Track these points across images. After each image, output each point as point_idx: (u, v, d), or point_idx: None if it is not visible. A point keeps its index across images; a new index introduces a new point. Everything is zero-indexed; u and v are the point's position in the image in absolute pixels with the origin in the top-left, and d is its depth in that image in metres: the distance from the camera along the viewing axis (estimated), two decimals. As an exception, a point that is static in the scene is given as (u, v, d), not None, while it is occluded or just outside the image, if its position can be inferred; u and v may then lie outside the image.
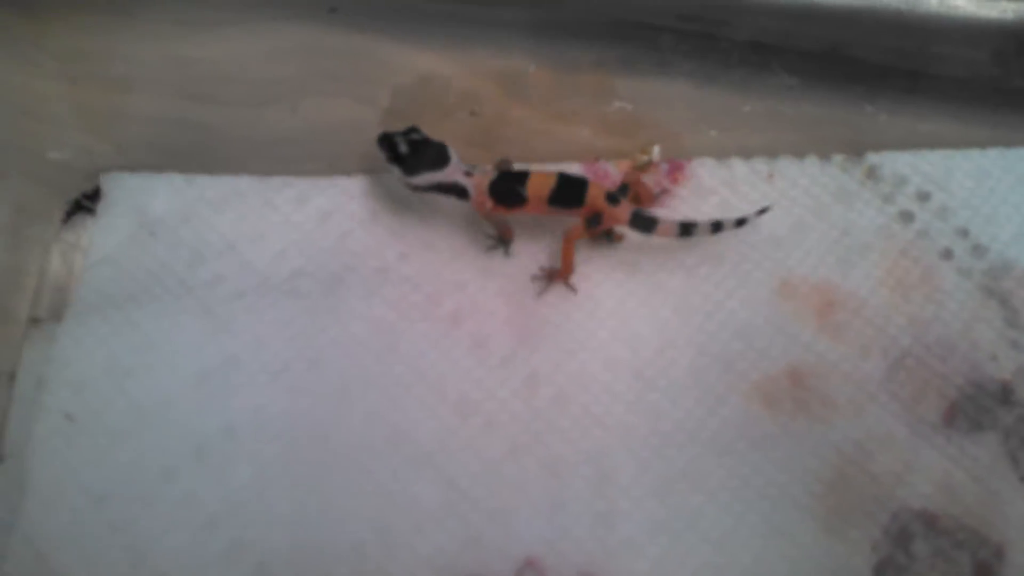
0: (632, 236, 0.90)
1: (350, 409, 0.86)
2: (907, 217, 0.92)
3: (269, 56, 0.99)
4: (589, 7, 0.98)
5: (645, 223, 0.86)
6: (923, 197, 0.93)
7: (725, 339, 0.87)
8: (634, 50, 0.99)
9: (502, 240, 0.91)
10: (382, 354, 0.88)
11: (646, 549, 0.79)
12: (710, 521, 0.80)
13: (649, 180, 0.95)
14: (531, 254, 0.91)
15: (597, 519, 0.80)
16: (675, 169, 0.96)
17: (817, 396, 0.85)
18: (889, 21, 0.92)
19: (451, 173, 0.88)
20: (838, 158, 0.97)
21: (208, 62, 0.98)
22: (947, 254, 0.91)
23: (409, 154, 0.88)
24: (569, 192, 0.87)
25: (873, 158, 0.95)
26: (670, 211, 0.94)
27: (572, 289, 0.88)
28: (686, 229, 0.86)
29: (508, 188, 0.88)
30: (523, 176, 0.88)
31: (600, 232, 0.89)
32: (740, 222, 0.87)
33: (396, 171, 0.88)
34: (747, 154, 0.98)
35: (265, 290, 0.91)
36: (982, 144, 0.95)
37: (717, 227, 0.86)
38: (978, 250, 0.90)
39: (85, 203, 1.00)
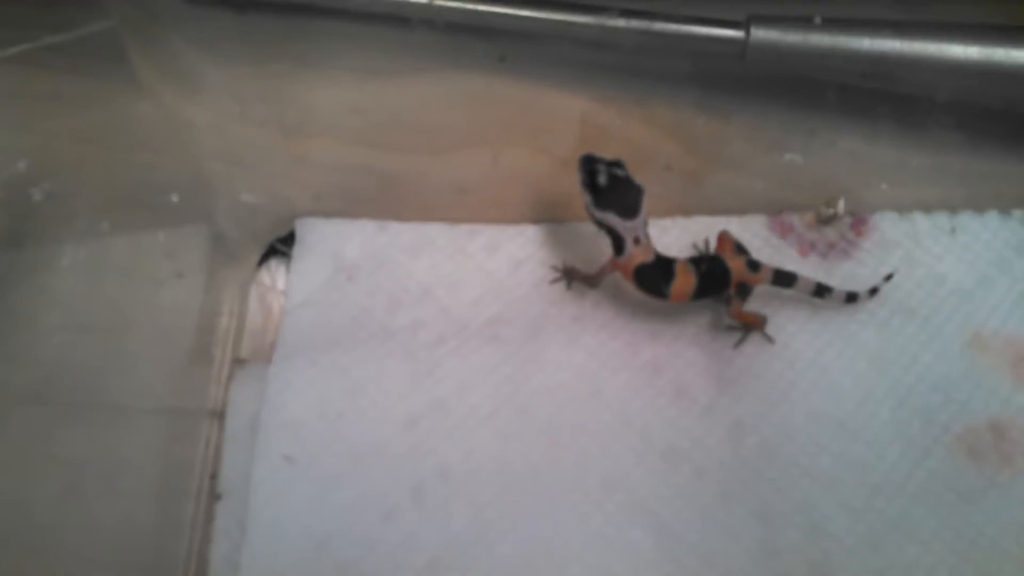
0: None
1: (561, 454, 0.88)
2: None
3: (443, 104, 1.02)
4: (769, 62, 1.00)
5: (786, 279, 0.91)
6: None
7: (923, 391, 0.90)
8: (801, 104, 1.02)
9: (572, 278, 0.96)
10: (588, 400, 0.91)
11: None
12: (925, 572, 0.82)
13: (833, 232, 0.98)
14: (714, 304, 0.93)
15: (812, 567, 0.82)
16: (859, 223, 0.99)
17: (1021, 449, 0.86)
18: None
19: (631, 230, 0.89)
20: (1018, 213, 0.99)
21: (385, 110, 1.00)
22: None
23: (606, 188, 0.89)
24: (712, 283, 0.91)
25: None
26: (857, 263, 0.96)
27: (770, 340, 0.91)
28: (819, 291, 0.91)
29: (653, 280, 0.90)
30: (670, 273, 0.90)
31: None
32: (873, 291, 0.91)
33: (587, 197, 0.89)
34: (923, 207, 1.00)
35: (466, 336, 0.94)
36: None
37: (852, 298, 0.92)
38: None
39: (279, 247, 1.03)
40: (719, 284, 0.90)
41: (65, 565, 0.82)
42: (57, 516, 0.83)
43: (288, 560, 0.84)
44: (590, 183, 0.88)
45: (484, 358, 0.93)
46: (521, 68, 1.02)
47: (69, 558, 0.83)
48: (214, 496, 0.91)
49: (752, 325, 0.91)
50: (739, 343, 0.91)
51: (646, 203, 0.88)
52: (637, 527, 0.85)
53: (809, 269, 0.94)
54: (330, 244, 1.00)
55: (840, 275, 0.95)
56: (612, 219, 0.88)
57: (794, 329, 0.93)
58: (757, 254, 0.94)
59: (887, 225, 0.98)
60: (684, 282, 0.88)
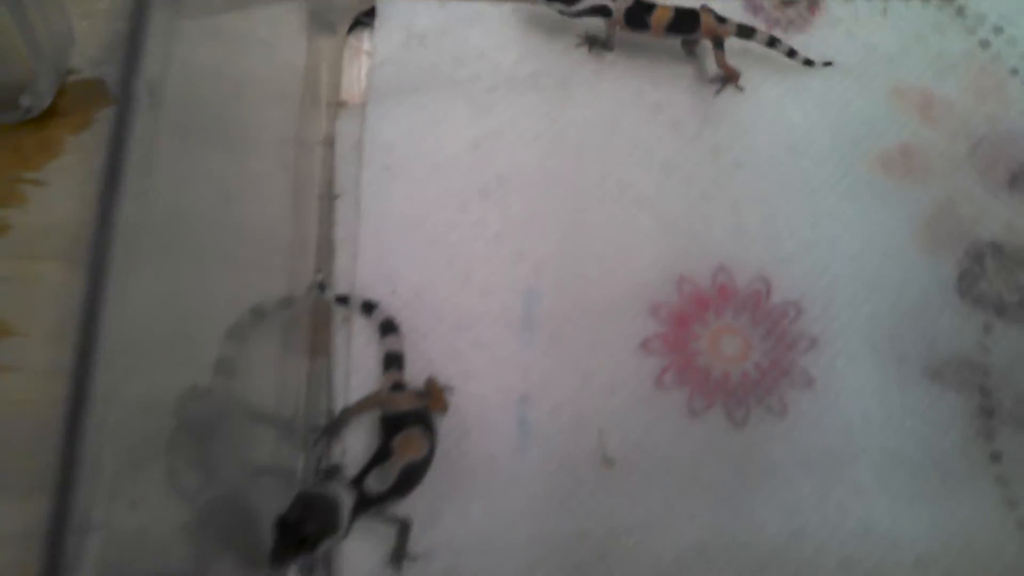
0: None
1: (587, 167, 1.22)
2: (985, 44, 1.30)
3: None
4: None
5: (747, 31, 1.23)
6: (998, 30, 1.31)
7: (853, 125, 1.24)
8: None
9: (595, 41, 1.26)
10: (606, 130, 1.24)
11: (801, 260, 1.18)
12: (846, 246, 1.19)
13: (793, 12, 1.33)
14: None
15: (769, 241, 1.19)
16: (813, 5, 1.34)
17: (920, 164, 1.23)
18: None
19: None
20: (935, 0, 1.34)
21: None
22: (1014, 71, 1.29)
23: None
24: (684, 21, 1.21)
25: (960, 1, 1.33)
26: (808, 36, 1.31)
27: (741, 89, 1.26)
28: (771, 42, 1.24)
29: (638, 15, 1.21)
30: (651, 8, 1.20)
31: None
32: (808, 62, 1.25)
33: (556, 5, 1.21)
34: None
35: (513, 84, 1.27)
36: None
37: (792, 53, 1.25)
38: None
39: (364, 19, 1.36)
40: (690, 24, 1.21)
41: (227, 259, 1.09)
42: (215, 219, 1.07)
43: (391, 236, 1.17)
44: None
45: (527, 100, 1.26)
46: None
47: (229, 258, 1.08)
48: (333, 196, 1.24)
49: (730, 76, 1.27)
50: (719, 91, 1.26)
51: None
52: (643, 214, 1.20)
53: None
54: (403, 17, 1.30)
55: (795, 44, 1.29)
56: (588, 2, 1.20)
57: (759, 81, 1.27)
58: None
59: (835, 7, 1.33)
60: (662, 14, 1.20)
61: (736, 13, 1.29)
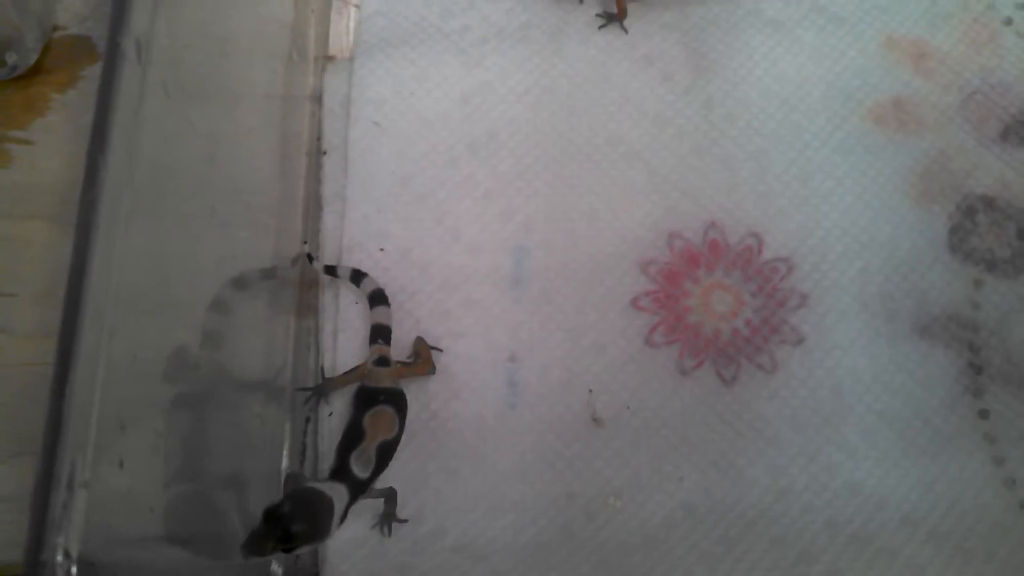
0: None
1: (578, 121, 1.21)
2: (980, -6, 1.28)
3: None
4: None
5: None
6: (993, -20, 1.28)
7: (846, 77, 1.23)
8: None
9: (612, 18, 1.25)
10: (598, 83, 1.23)
11: (793, 216, 1.18)
12: (839, 200, 1.18)
13: None
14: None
15: (759, 197, 1.18)
16: None
17: (913, 117, 1.22)
18: None
19: None
20: None
21: None
22: (1008, 21, 1.27)
23: None
24: None
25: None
26: None
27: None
28: None
29: None
30: None
31: None
32: None
33: None
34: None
35: (504, 37, 1.26)
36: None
37: None
38: None
39: None
40: None
41: (214, 216, 1.08)
42: (202, 176, 1.07)
43: (379, 193, 1.17)
44: None
45: (518, 52, 1.25)
46: None
47: (216, 214, 1.08)
48: (320, 152, 1.23)
49: (619, 13, 1.25)
50: (603, 26, 1.27)
51: None
52: (633, 169, 1.19)
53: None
54: (392, -32, 1.30)
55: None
56: None
57: (752, 33, 1.26)
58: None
59: (828, -45, 1.30)
60: None
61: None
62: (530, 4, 1.26)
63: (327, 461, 0.97)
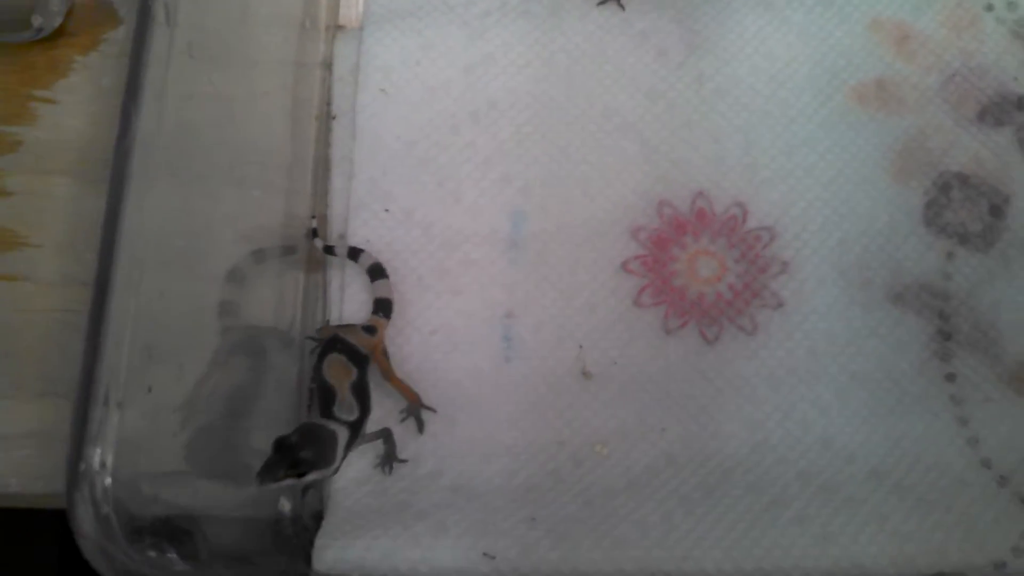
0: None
1: (575, 92, 1.26)
2: (963, -20, 1.34)
3: None
4: None
5: None
6: (975, -33, 1.34)
7: (832, 57, 1.28)
8: None
9: None
10: (595, 57, 1.28)
11: (777, 187, 1.25)
12: (820, 172, 1.25)
13: None
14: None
15: (745, 169, 1.25)
16: None
17: (894, 97, 1.29)
18: None
19: None
20: None
21: None
22: (989, 7, 1.33)
23: None
24: None
25: (941, -64, 1.36)
26: None
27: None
28: None
29: None
30: None
31: None
32: None
33: None
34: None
35: (506, 11, 1.31)
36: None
37: None
38: (1012, 5, 1.32)
39: None
40: None
41: (231, 175, 1.17)
42: (221, 137, 1.14)
43: (385, 156, 1.23)
44: None
45: (519, 25, 1.30)
46: None
47: (232, 174, 1.16)
48: (330, 117, 1.29)
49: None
50: (601, 3, 1.32)
51: None
52: (626, 140, 1.25)
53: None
54: (401, -59, 1.35)
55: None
56: None
57: (745, 12, 1.32)
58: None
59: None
60: None
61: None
62: (532, -20, 1.31)
63: None
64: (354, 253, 1.15)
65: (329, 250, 1.17)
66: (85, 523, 0.77)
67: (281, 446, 0.83)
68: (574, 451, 1.07)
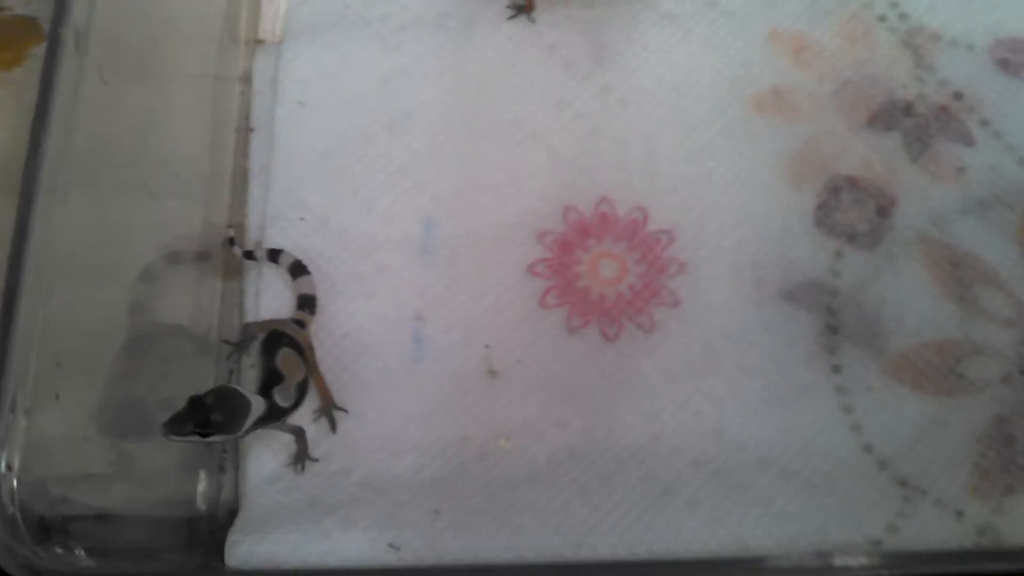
0: None
1: (488, 101, 1.31)
2: (856, -8, 1.41)
3: None
4: None
5: None
6: (867, -20, 1.41)
7: (733, 67, 1.34)
8: None
9: (520, 9, 1.36)
10: (505, 69, 1.33)
11: (677, 192, 1.31)
12: (719, 178, 1.32)
13: None
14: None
15: (647, 176, 1.31)
16: None
17: (789, 105, 1.35)
18: None
19: None
20: None
21: None
22: (882, 18, 1.40)
23: None
24: None
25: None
26: None
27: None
28: None
29: None
30: None
31: None
32: None
33: None
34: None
35: (421, 24, 1.36)
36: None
37: None
38: (903, 16, 1.40)
39: None
40: None
41: (147, 187, 1.20)
42: (137, 150, 1.19)
43: (302, 166, 1.27)
44: None
45: (433, 39, 1.35)
46: None
47: (148, 185, 1.20)
48: (248, 129, 1.34)
49: (528, 5, 1.36)
50: (512, 17, 1.38)
51: None
52: (535, 148, 1.30)
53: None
54: (317, -38, 1.40)
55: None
56: None
57: (649, 24, 1.38)
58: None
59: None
60: None
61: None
62: (446, -5, 1.36)
63: None
64: (273, 254, 1.20)
65: (249, 255, 1.21)
66: (-9, 523, 0.81)
67: (195, 404, 0.87)
68: (479, 446, 1.12)
